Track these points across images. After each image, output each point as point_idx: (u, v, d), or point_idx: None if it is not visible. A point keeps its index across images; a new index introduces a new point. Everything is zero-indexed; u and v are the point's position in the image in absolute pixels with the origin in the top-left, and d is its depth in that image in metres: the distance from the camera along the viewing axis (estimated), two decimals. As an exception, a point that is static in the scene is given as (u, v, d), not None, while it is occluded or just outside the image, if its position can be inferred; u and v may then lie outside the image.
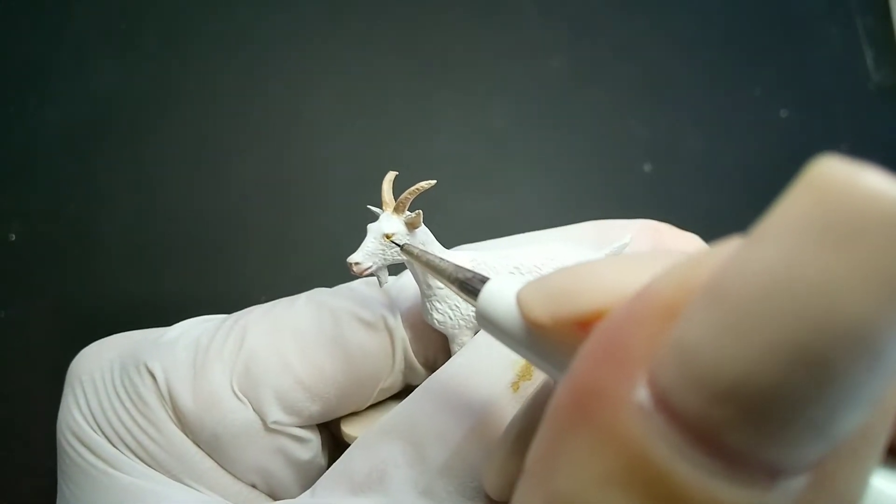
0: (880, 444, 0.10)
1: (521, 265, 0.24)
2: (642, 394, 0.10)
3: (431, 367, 0.27)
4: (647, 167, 0.50)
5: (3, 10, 0.50)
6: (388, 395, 0.28)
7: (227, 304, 0.31)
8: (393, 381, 0.27)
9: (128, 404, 0.25)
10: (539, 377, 0.22)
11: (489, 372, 0.22)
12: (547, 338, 0.14)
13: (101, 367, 0.27)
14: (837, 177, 0.09)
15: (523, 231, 0.29)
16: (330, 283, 0.29)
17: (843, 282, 0.09)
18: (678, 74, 0.52)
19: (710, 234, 0.29)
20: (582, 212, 0.38)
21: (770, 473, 0.10)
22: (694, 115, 0.51)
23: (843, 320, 0.09)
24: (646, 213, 0.31)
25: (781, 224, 0.09)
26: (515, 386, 0.22)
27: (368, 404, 0.28)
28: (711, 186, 0.50)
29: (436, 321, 0.25)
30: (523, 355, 0.15)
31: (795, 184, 0.09)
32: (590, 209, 0.49)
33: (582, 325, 0.13)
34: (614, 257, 0.19)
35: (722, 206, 0.49)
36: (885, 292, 0.09)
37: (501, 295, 0.15)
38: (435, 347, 0.27)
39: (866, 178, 0.09)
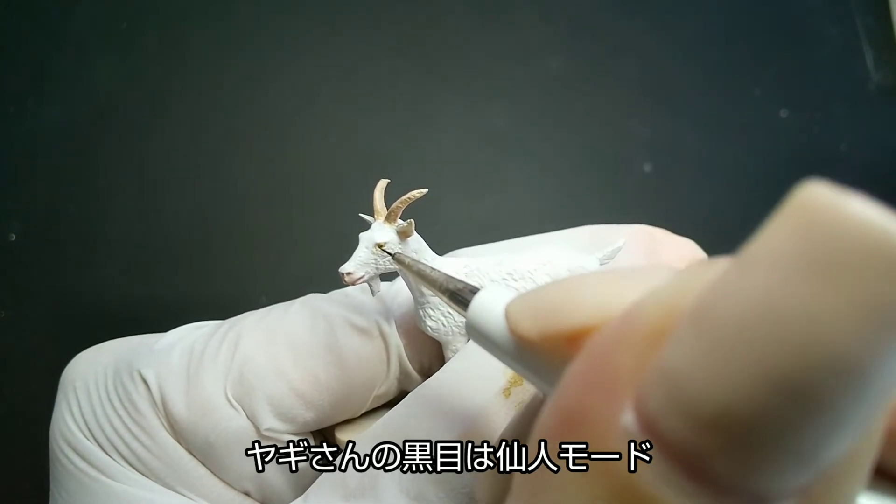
0: (866, 468, 0.10)
1: (514, 271, 0.24)
2: (629, 419, 0.10)
3: (426, 374, 0.27)
4: (647, 167, 0.50)
5: (3, 9, 0.50)
6: (383, 401, 0.28)
7: (228, 304, 0.31)
8: (388, 388, 0.27)
9: (121, 411, 0.25)
10: (530, 384, 0.22)
11: (481, 378, 0.22)
12: (535, 352, 0.14)
13: (94, 373, 0.27)
14: (824, 204, 0.09)
15: (524, 232, 0.29)
16: (331, 285, 0.29)
17: (828, 312, 0.09)
18: (678, 74, 0.52)
19: (710, 234, 0.29)
20: (582, 212, 0.38)
21: (756, 501, 0.10)
22: (694, 115, 0.51)
23: (828, 350, 0.09)
24: (646, 213, 0.31)
25: (767, 251, 0.09)
26: (507, 392, 0.22)
27: (363, 411, 0.28)
28: (711, 186, 0.50)
29: (429, 328, 0.25)
30: (512, 368, 0.15)
31: (782, 208, 0.09)
32: (590, 209, 0.49)
33: (570, 342, 0.13)
34: (603, 271, 0.19)
35: (722, 206, 0.49)
36: (870, 322, 0.08)
37: (491, 307, 0.15)
38: (430, 354, 0.27)
39: (852, 206, 0.09)
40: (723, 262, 0.10)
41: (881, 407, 0.09)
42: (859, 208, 0.09)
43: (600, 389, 0.11)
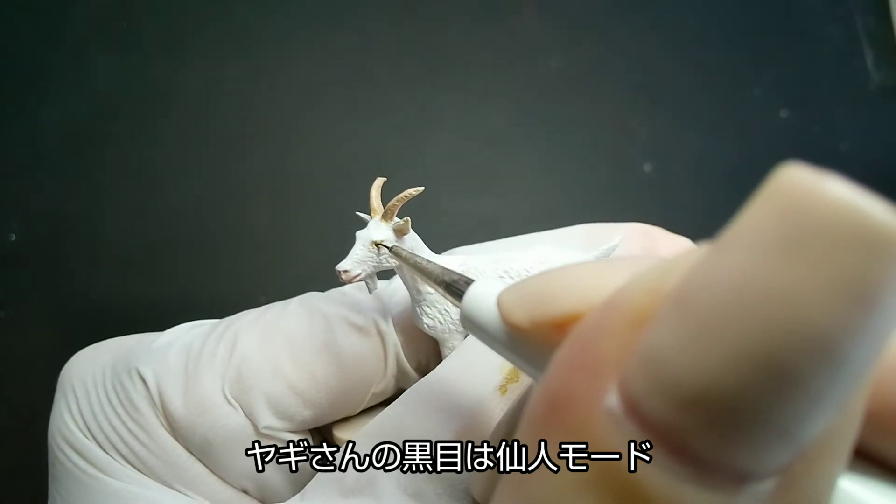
0: (847, 446, 0.11)
1: (511, 269, 0.24)
2: (613, 400, 0.10)
3: (423, 372, 0.27)
4: (647, 167, 0.50)
5: (3, 10, 0.50)
6: (381, 399, 0.28)
7: (227, 304, 0.31)
8: (385, 386, 0.27)
9: (119, 410, 0.25)
10: (526, 379, 0.22)
11: (477, 375, 0.22)
12: (526, 340, 0.14)
13: (93, 372, 0.27)
14: (801, 185, 0.09)
15: (523, 232, 0.29)
16: (330, 284, 0.29)
17: (806, 290, 0.09)
18: (678, 74, 0.52)
19: (709, 234, 0.29)
20: (582, 212, 0.38)
21: (737, 478, 0.10)
22: (694, 115, 0.51)
23: (806, 328, 0.09)
24: (645, 213, 0.31)
25: (745, 232, 0.09)
26: (503, 389, 0.22)
27: (361, 409, 0.28)
28: (711, 186, 0.50)
29: (426, 325, 0.25)
30: (506, 357, 0.15)
31: (760, 191, 0.09)
32: (590, 209, 0.49)
33: (559, 328, 0.13)
34: (591, 261, 0.19)
35: (721, 207, 0.49)
36: (847, 300, 0.09)
37: (484, 298, 0.16)
38: (427, 351, 0.27)
39: (829, 187, 0.09)
40: (705, 247, 0.10)
41: (859, 384, 0.10)
42: (836, 188, 0.09)
43: (585, 373, 0.11)
